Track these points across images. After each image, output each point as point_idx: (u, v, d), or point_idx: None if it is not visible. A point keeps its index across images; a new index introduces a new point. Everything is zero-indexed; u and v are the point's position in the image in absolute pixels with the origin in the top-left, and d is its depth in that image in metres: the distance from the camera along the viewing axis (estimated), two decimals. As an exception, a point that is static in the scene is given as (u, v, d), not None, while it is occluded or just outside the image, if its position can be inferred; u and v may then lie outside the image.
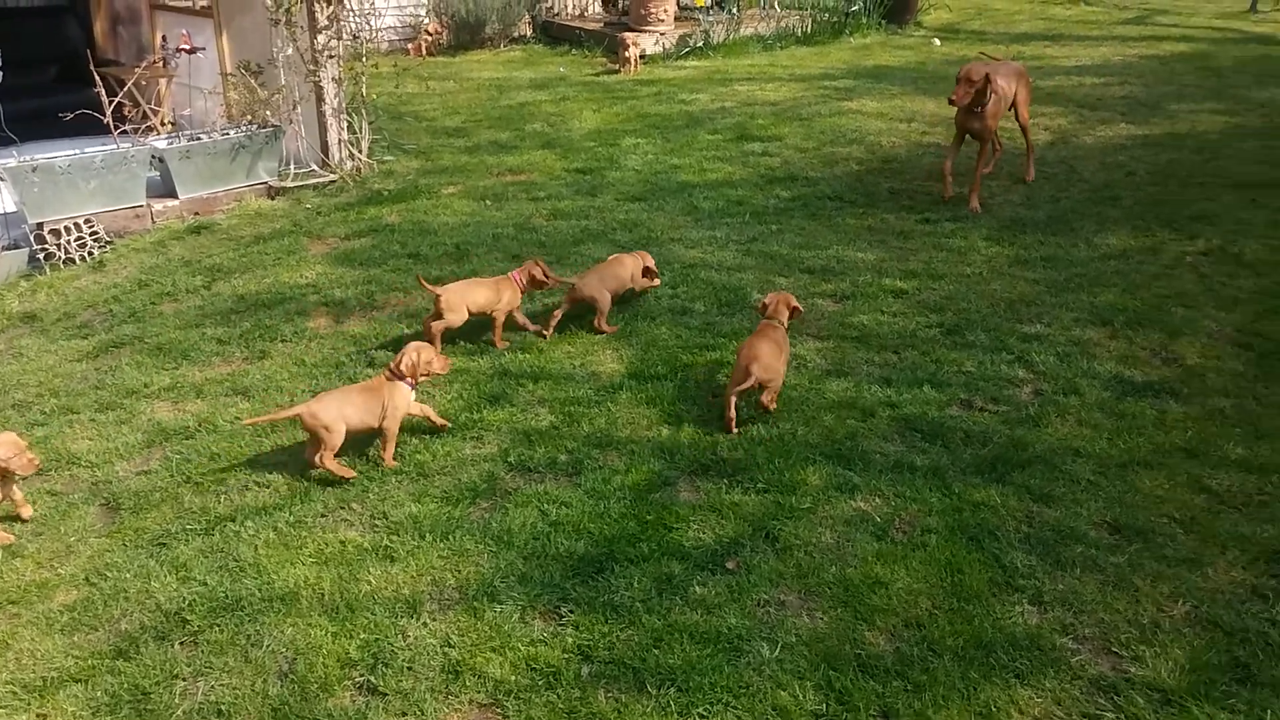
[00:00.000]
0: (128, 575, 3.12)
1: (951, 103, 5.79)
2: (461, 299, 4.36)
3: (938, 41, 11.54)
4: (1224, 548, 2.98)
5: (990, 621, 2.73)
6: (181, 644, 2.82)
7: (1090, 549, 3.00)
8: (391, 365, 3.67)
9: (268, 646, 2.78)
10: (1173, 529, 3.07)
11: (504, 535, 3.17)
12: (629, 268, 4.73)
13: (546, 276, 4.54)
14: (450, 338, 4.45)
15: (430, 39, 11.31)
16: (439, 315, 4.34)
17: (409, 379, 3.66)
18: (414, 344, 3.74)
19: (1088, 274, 4.98)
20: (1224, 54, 10.28)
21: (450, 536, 3.18)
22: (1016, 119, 6.32)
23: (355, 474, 3.53)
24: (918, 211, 6.00)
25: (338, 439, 3.48)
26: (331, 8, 6.54)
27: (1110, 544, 3.03)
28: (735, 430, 3.67)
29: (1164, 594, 2.81)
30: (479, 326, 4.48)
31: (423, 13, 11.74)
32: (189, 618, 2.91)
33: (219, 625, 2.87)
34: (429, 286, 4.38)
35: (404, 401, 3.64)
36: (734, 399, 3.66)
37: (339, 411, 3.50)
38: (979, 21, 12.90)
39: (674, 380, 4.10)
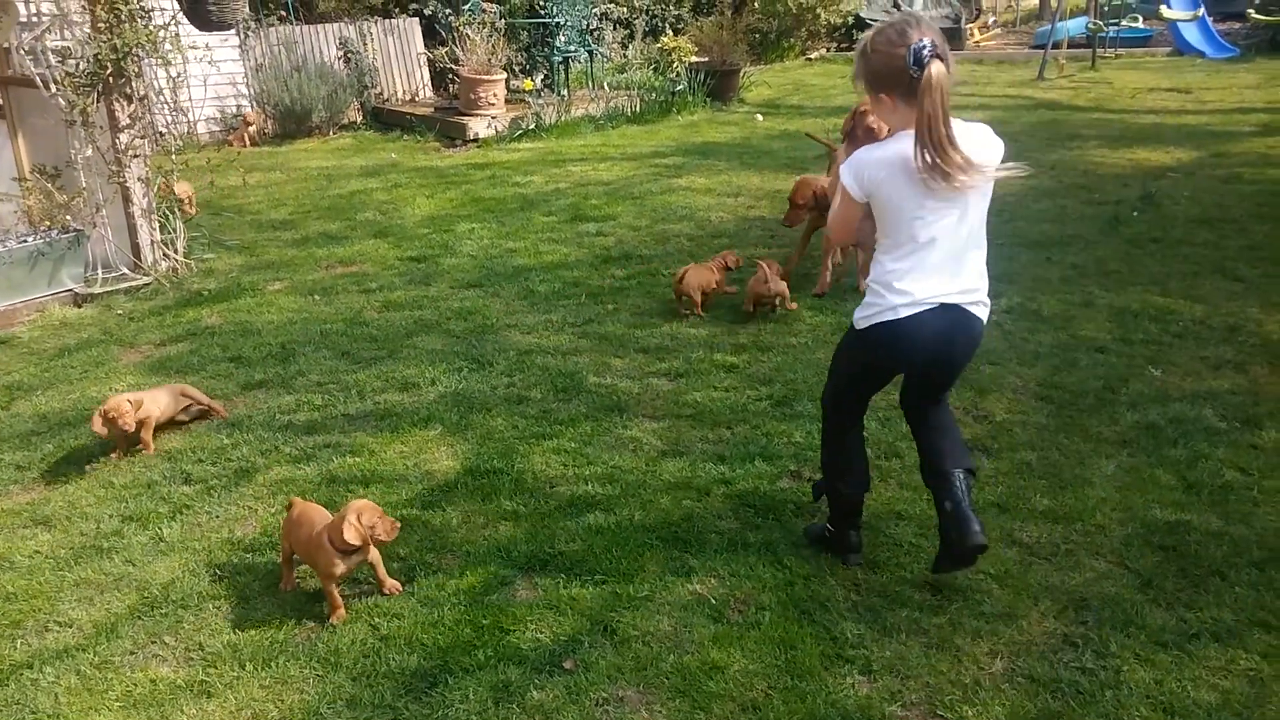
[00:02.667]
0: (-95, 743, 2.82)
1: (785, 225, 6.08)
2: None
3: (760, 117, 12.07)
4: (1036, 599, 3.13)
5: (823, 697, 2.77)
6: (-33, 817, 2.56)
7: (914, 611, 3.10)
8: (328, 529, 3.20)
9: (67, 809, 2.55)
10: (989, 585, 3.21)
11: (331, 656, 3.03)
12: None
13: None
14: (283, 422, 4.28)
15: (252, 129, 11.06)
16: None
17: (352, 546, 3.16)
18: (354, 505, 3.21)
19: (904, 337, 5.23)
20: (1017, 120, 11.12)
21: (273, 663, 3.01)
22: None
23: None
24: (745, 284, 6.18)
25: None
26: (133, 106, 6.31)
27: (933, 605, 3.13)
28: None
29: (983, 651, 2.92)
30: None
31: (245, 102, 11.49)
32: (-24, 785, 2.64)
33: (11, 790, 2.62)
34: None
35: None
36: None
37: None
38: (797, 96, 13.59)
39: (510, 473, 4.05)
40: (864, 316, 2.99)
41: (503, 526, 3.69)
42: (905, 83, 2.72)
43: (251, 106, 11.42)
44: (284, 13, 12.26)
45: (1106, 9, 14.88)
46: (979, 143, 2.83)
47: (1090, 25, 14.85)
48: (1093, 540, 3.41)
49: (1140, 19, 15.15)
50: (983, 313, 2.98)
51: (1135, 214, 7.13)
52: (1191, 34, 15.19)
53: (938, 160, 2.70)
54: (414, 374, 5.04)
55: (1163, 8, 14.65)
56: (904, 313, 2.88)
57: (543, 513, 3.75)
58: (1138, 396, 4.45)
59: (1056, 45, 14.52)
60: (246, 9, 11.72)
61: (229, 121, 11.26)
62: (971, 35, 18.47)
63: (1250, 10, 14.25)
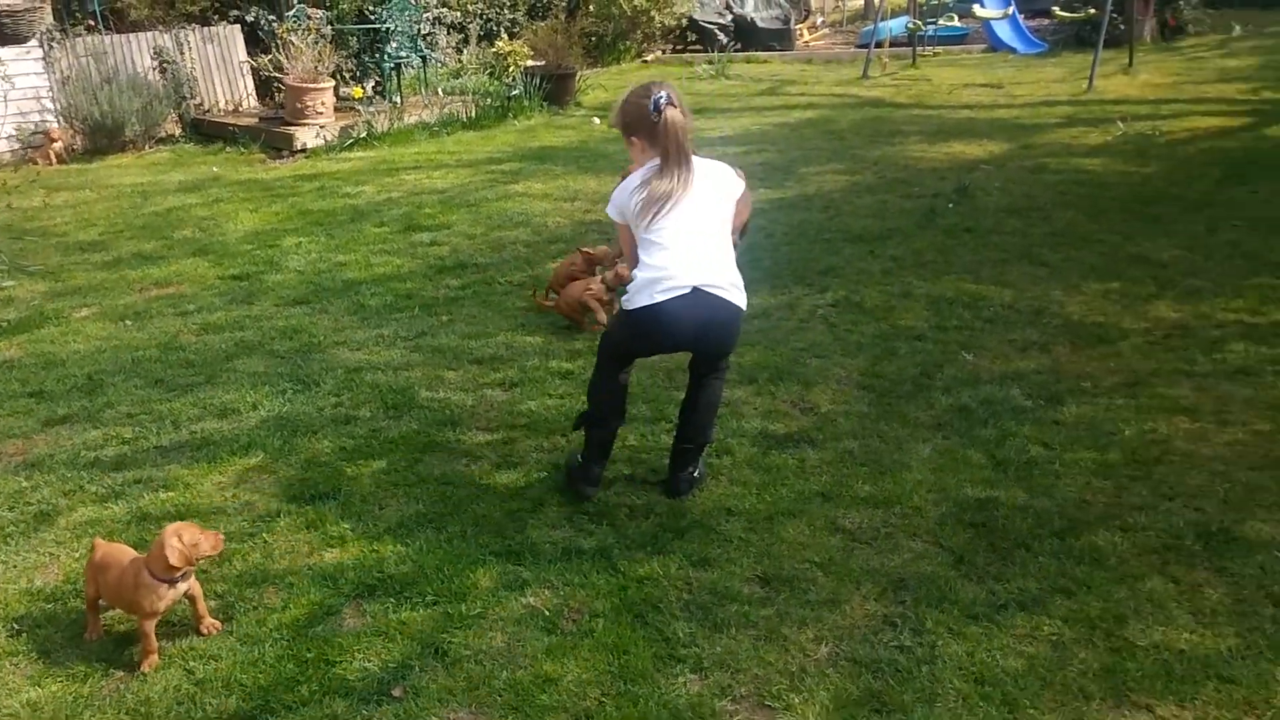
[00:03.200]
0: None
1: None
2: None
3: (597, 120, 12.11)
4: (858, 583, 3.24)
5: (655, 699, 2.78)
6: None
7: (743, 605, 3.15)
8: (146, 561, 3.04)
9: None
10: (814, 573, 3.30)
11: (141, 707, 2.85)
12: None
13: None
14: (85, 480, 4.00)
15: (57, 145, 10.36)
16: None
17: (176, 569, 3.01)
18: (171, 527, 3.04)
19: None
20: (843, 118, 11.54)
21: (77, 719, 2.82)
22: None
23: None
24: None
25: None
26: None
27: (761, 597, 3.20)
28: None
29: (809, 639, 3.00)
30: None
31: (51, 118, 10.76)
32: None
33: None
34: None
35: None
36: None
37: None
38: (634, 98, 13.69)
39: (337, 497, 3.91)
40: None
41: (329, 554, 3.56)
42: (648, 127, 3.48)
43: (58, 122, 10.70)
44: (92, 22, 11.53)
45: (925, 9, 15.60)
46: (715, 173, 3.61)
47: (910, 25, 15.53)
48: (910, 522, 3.56)
49: (956, 18, 15.96)
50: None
51: (950, 206, 7.49)
52: (1004, 31, 16.09)
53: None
54: (233, 399, 4.81)
55: (976, 7, 15.47)
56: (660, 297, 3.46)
57: (371, 536, 3.64)
58: (951, 381, 4.67)
59: (879, 44, 15.14)
60: (49, 19, 11.03)
61: (27, 140, 10.50)
62: (801, 35, 19.07)
63: (1055, 8, 15.19)
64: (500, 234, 7.47)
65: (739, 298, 3.53)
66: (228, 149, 10.85)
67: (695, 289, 3.42)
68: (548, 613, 3.17)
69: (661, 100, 3.42)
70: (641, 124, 3.50)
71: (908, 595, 3.16)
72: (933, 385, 4.63)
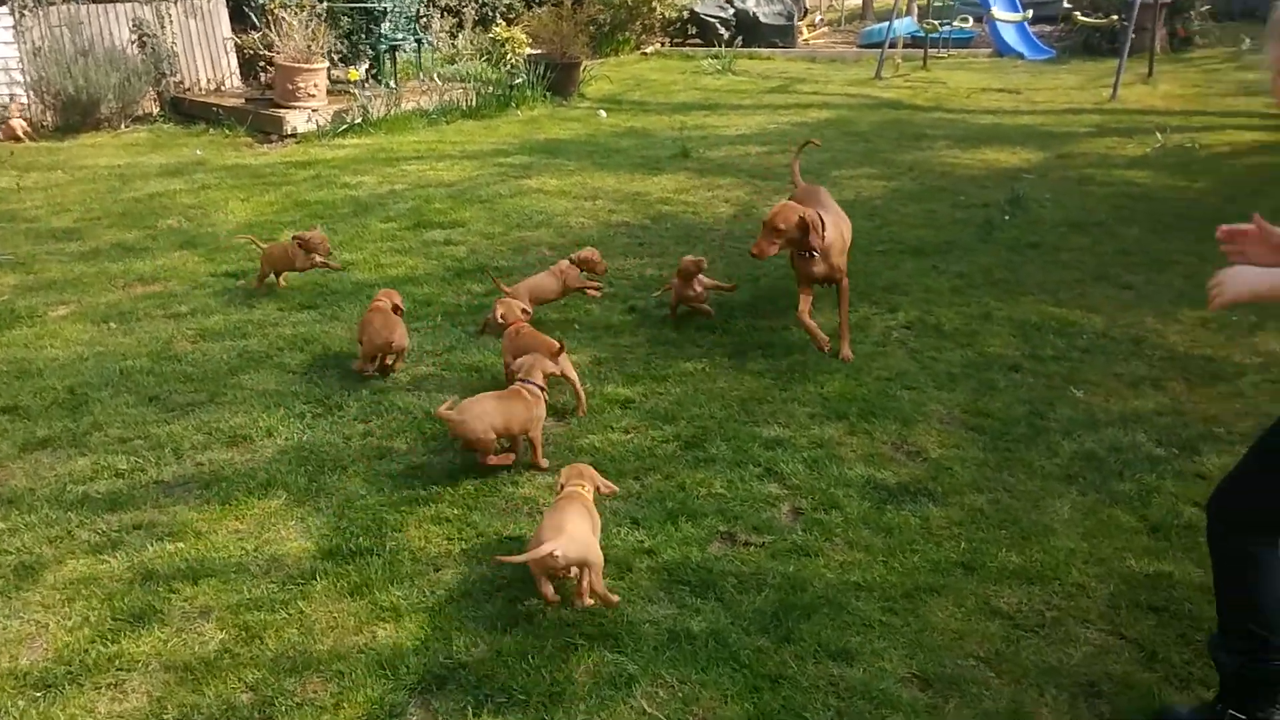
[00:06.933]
0: None
1: (753, 255, 4.68)
2: None
3: (603, 113, 11.49)
4: (1040, 688, 2.68)
5: None
6: None
7: (908, 718, 2.58)
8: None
9: None
10: (982, 672, 2.74)
11: None
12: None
13: None
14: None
15: (18, 120, 9.53)
16: None
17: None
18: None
19: (807, 360, 4.76)
20: (862, 119, 11.01)
21: None
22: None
23: None
24: (621, 299, 5.59)
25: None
26: None
27: (926, 704, 2.63)
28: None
29: (1001, 766, 2.44)
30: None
31: (19, 90, 9.92)
32: None
33: None
34: None
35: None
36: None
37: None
38: (639, 92, 13.09)
39: (382, 553, 3.29)
40: None
41: (381, 630, 2.94)
42: None
43: (27, 95, 9.86)
44: (67, -11, 10.68)
45: (931, 10, 15.15)
46: None
47: (925, 25, 15.08)
48: (1077, 604, 3.01)
49: (970, 20, 15.53)
50: None
51: (1006, 218, 6.98)
52: (1010, 35, 15.69)
53: None
54: (244, 423, 4.16)
55: (994, 8, 15.06)
56: None
57: (430, 608, 3.03)
58: (1068, 422, 4.13)
59: (893, 44, 14.66)
60: (21, -16, 10.19)
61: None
62: (801, 33, 18.55)
63: (1075, 13, 14.84)
64: (521, 234, 6.85)
65: None
66: (211, 131, 10.08)
67: None
68: (665, 720, 2.58)
69: None
70: None
71: (1105, 706, 2.61)
72: (1048, 427, 4.09)
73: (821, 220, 4.66)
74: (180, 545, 3.33)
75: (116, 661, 2.81)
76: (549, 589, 2.86)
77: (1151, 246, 6.41)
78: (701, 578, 3.14)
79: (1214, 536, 2.44)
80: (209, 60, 11.35)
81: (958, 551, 3.26)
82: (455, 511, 3.52)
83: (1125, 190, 7.81)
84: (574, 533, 2.84)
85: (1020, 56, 15.44)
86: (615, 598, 2.98)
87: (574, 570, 2.87)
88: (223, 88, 11.38)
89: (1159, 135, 9.55)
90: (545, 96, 11.94)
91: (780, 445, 3.95)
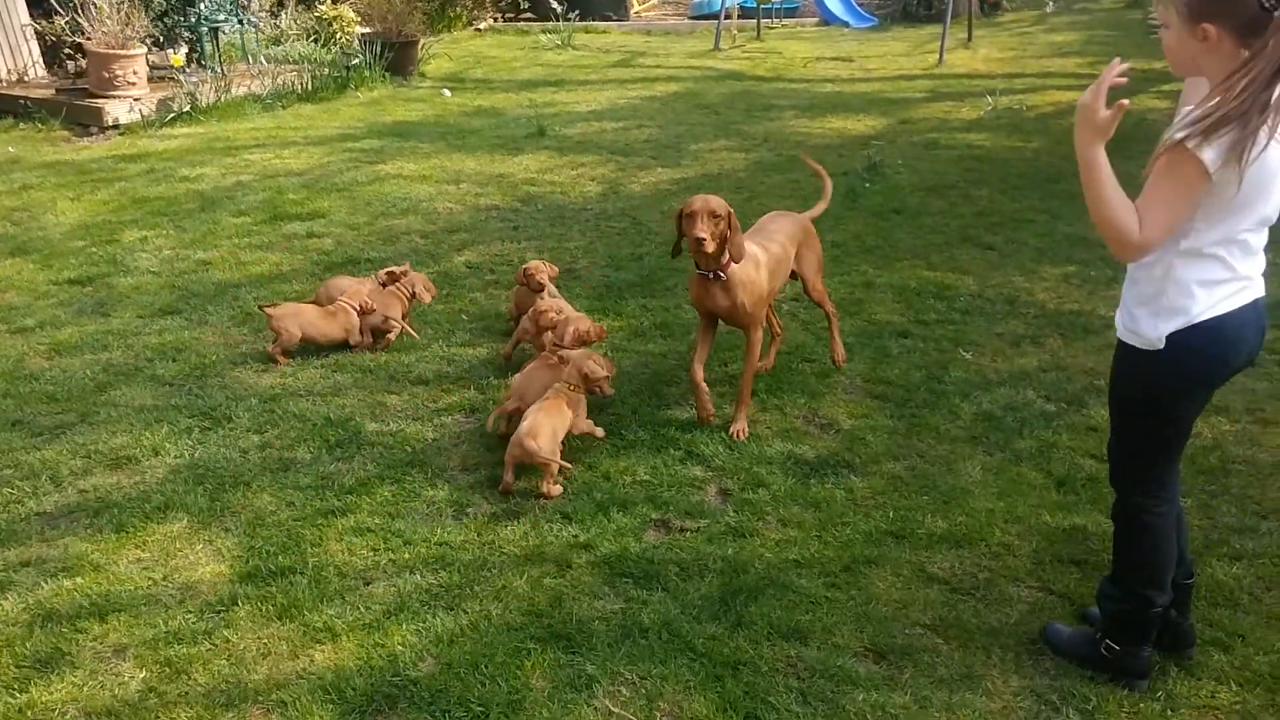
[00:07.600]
0: None
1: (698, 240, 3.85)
2: None
3: (448, 92, 11.16)
4: (986, 650, 2.78)
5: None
6: None
7: (869, 692, 2.62)
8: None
9: None
10: (930, 639, 2.83)
11: None
12: None
13: None
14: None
15: None
16: None
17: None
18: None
19: (705, 337, 4.78)
20: (710, 91, 11.12)
21: None
22: (806, 291, 4.36)
23: None
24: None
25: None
26: None
27: (884, 676, 2.69)
28: None
29: (956, 731, 2.53)
30: None
31: None
32: None
33: None
34: None
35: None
36: None
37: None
38: (481, 70, 12.77)
39: (305, 571, 3.10)
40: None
41: (319, 653, 2.78)
42: (1249, 14, 2.10)
43: None
44: None
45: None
46: None
47: (756, -5, 15.33)
48: (1005, 563, 3.14)
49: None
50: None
51: (867, 185, 7.20)
52: (835, 4, 16.15)
53: None
54: (125, 443, 3.84)
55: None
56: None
57: (368, 624, 2.88)
58: (963, 384, 4.31)
59: (728, 16, 14.84)
60: None
61: None
62: (633, 6, 18.53)
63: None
64: (388, 223, 6.58)
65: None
66: (21, 125, 9.19)
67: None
68: None
69: None
70: (1235, 8, 2.12)
71: (1049, 663, 2.73)
72: (946, 390, 4.26)
73: (741, 241, 3.88)
74: (79, 580, 3.05)
75: (28, 713, 2.55)
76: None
77: (1004, 207, 6.75)
78: (644, 569, 3.11)
79: (1114, 503, 2.62)
80: (7, 49, 10.32)
81: (886, 521, 3.35)
82: (376, 520, 3.36)
83: (969, 153, 8.20)
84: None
85: (845, 25, 15.94)
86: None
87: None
88: (25, 78, 10.40)
89: (989, 98, 10.06)
90: (384, 77, 11.48)
91: (696, 426, 3.96)
